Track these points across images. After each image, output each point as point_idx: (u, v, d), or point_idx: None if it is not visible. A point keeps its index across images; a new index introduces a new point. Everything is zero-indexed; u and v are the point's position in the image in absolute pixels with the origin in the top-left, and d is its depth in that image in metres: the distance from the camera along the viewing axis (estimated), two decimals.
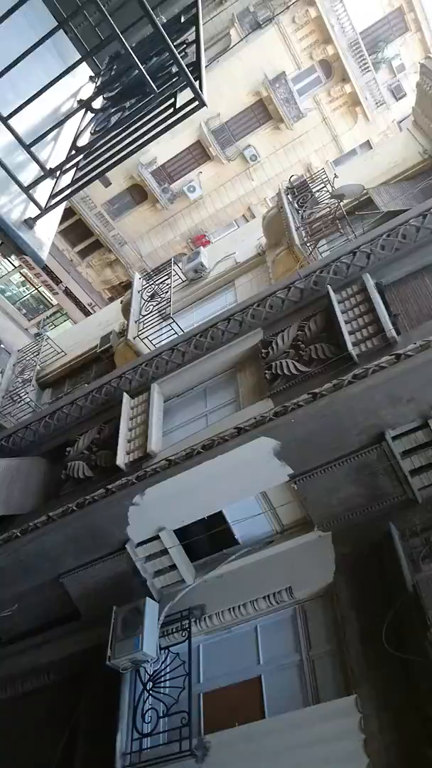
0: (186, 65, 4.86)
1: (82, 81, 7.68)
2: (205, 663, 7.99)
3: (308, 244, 10.94)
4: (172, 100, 5.11)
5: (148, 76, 5.09)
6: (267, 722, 6.92)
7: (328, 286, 8.73)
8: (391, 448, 7.38)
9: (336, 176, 12.58)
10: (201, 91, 4.68)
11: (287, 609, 7.87)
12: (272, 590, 7.90)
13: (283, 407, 7.75)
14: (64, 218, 26.07)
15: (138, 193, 29.19)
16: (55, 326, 32.25)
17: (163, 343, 11.19)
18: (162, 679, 7.80)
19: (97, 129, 6.53)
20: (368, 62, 25.41)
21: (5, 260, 30.24)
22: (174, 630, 8.18)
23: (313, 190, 12.63)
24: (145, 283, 14.09)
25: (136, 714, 7.56)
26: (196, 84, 4.70)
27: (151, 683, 7.76)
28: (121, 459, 8.83)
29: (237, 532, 8.72)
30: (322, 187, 12.59)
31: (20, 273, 31.26)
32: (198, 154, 28.21)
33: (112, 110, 6.60)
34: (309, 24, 24.86)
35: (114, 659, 7.72)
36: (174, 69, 5.26)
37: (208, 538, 8.75)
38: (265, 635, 7.85)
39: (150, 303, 13.02)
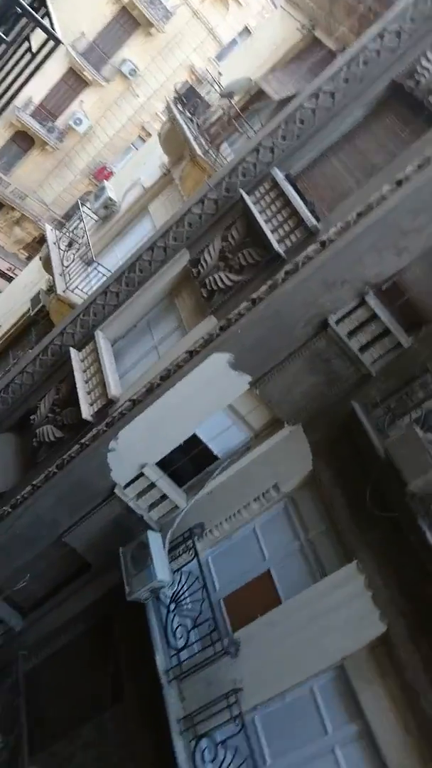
0: (29, 3, 4.56)
1: None
2: (217, 572, 8.51)
3: (210, 152, 10.73)
4: (27, 44, 4.83)
5: None
6: (284, 606, 7.52)
7: (240, 190, 8.68)
8: (336, 332, 7.67)
9: (221, 74, 12.17)
10: (53, 28, 4.44)
11: (278, 504, 8.35)
12: (261, 491, 8.35)
13: (227, 320, 7.90)
14: None
15: (23, 140, 27.57)
16: None
17: (94, 288, 11.05)
18: (182, 598, 8.29)
19: None
20: None
21: None
22: (181, 552, 8.64)
23: (202, 94, 12.22)
24: (58, 232, 13.67)
25: (167, 634, 8.08)
26: (46, 22, 4.45)
27: (173, 604, 8.25)
28: (87, 411, 8.93)
29: (214, 448, 9.06)
30: (210, 89, 12.18)
31: None
32: (74, 82, 26.58)
33: None
34: None
35: (134, 594, 8.16)
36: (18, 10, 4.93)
37: (189, 461, 9.09)
38: (264, 533, 8.36)
39: (69, 252, 12.71)
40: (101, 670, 8.86)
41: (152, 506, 9.16)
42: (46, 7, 4.49)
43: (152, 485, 8.98)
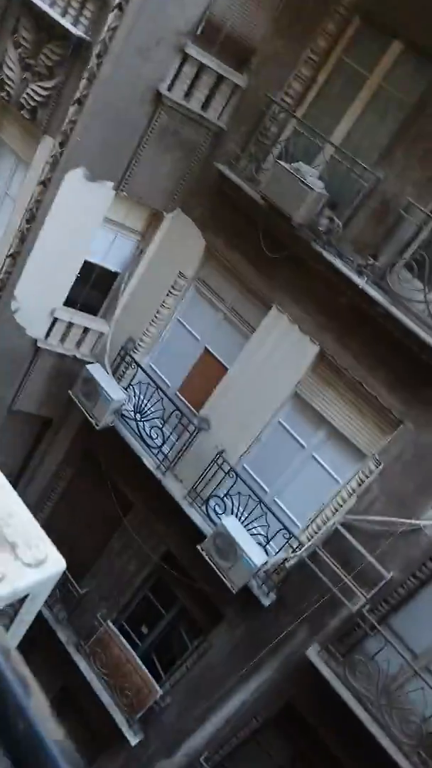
0: None
1: None
2: (163, 370, 9.09)
3: None
4: None
5: None
6: (232, 371, 8.28)
7: None
8: (172, 98, 7.37)
9: None
10: None
11: (189, 289, 8.69)
12: (169, 284, 8.62)
13: (63, 134, 7.43)
14: None
15: None
16: None
17: None
18: (144, 406, 8.95)
19: None
20: None
21: None
22: (124, 370, 9.11)
23: None
24: None
25: (144, 440, 8.88)
26: None
27: (138, 415, 8.93)
28: None
29: (110, 265, 9.05)
30: None
31: None
32: None
33: None
34: None
35: (101, 422, 8.75)
36: None
37: (93, 288, 9.12)
38: (189, 317, 8.80)
39: None
40: (104, 499, 9.77)
41: (79, 343, 9.38)
42: None
43: (70, 324, 9.10)
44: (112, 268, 9.09)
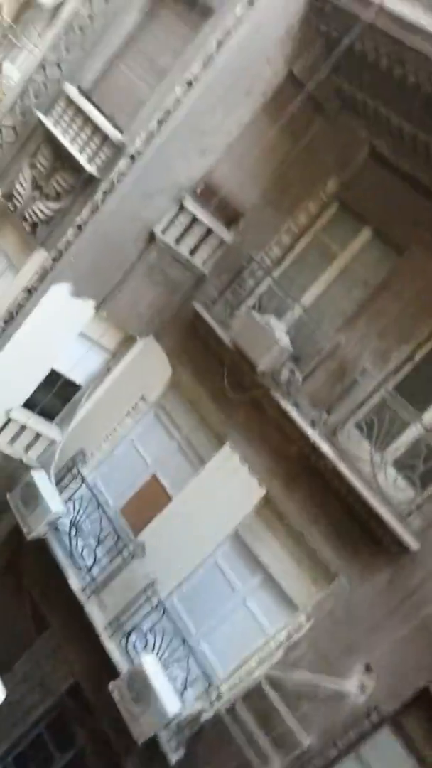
0: None
1: None
2: (108, 489, 8.99)
3: None
4: None
5: None
6: (176, 500, 8.26)
7: (36, 111, 8.37)
8: (164, 241, 8.02)
9: None
10: None
11: (149, 413, 8.88)
12: (130, 406, 8.80)
13: (57, 251, 7.92)
14: None
15: None
16: None
17: None
18: (80, 522, 8.71)
19: None
20: None
21: None
22: (68, 482, 8.96)
23: None
24: None
25: (74, 558, 8.54)
26: None
27: (74, 530, 8.67)
28: None
29: (76, 378, 9.23)
30: None
31: None
32: None
33: None
34: None
35: (33, 532, 8.44)
36: None
37: (54, 396, 9.22)
38: (142, 442, 8.89)
39: None
40: (20, 612, 9.18)
41: (28, 447, 9.29)
42: None
43: (23, 427, 9.06)
44: (77, 380, 9.26)
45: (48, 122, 8.19)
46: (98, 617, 8.17)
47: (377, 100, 7.12)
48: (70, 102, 8.15)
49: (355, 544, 6.93)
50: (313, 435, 7.09)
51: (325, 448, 7.02)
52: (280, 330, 7.38)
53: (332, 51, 7.02)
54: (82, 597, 8.28)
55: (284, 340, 7.33)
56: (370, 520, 6.68)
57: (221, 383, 7.82)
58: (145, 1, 8.13)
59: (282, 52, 7.42)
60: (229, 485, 7.79)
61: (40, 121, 8.26)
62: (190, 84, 7.25)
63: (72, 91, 8.17)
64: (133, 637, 7.93)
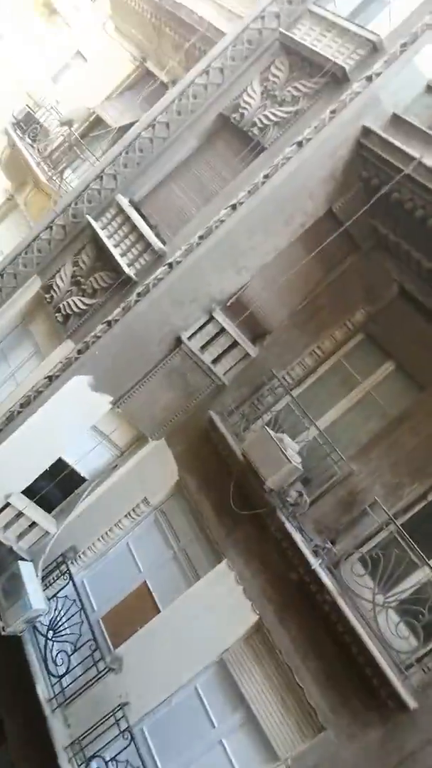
0: None
1: None
2: (94, 592, 8.57)
3: (54, 178, 10.83)
4: None
5: None
6: (163, 614, 7.80)
7: (87, 215, 8.88)
8: (190, 347, 8.16)
9: (58, 102, 12.32)
10: None
11: (149, 517, 8.63)
12: (131, 507, 8.58)
13: (84, 343, 8.08)
14: None
15: None
16: None
17: None
18: (60, 624, 8.24)
19: None
20: None
21: None
22: (55, 578, 8.59)
23: (41, 121, 12.28)
24: None
25: (47, 663, 7.99)
26: None
27: (51, 632, 8.18)
28: None
29: (81, 470, 9.12)
30: (48, 114, 12.28)
31: None
32: None
33: None
34: None
35: (9, 627, 7.98)
36: None
37: (56, 486, 9.06)
38: (137, 546, 8.58)
39: None
40: None
41: (21, 536, 8.99)
42: None
43: (20, 514, 8.83)
44: (82, 472, 9.14)
45: (96, 226, 8.67)
46: (60, 734, 7.52)
47: (410, 244, 7.43)
48: (120, 211, 8.66)
49: (348, 692, 6.37)
50: (315, 564, 6.74)
51: (325, 579, 6.65)
52: (292, 449, 7.27)
53: (371, 195, 7.44)
54: (47, 708, 7.67)
55: (296, 460, 7.18)
56: (366, 667, 6.17)
57: (227, 496, 7.60)
58: (204, 133, 8.82)
59: (324, 190, 7.89)
60: (220, 606, 7.35)
61: (89, 224, 8.75)
62: (234, 207, 7.68)
63: (123, 201, 8.71)
64: (93, 765, 7.22)
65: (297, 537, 6.96)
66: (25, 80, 26.37)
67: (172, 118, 8.71)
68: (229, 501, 7.64)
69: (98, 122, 11.69)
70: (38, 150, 11.68)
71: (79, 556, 8.70)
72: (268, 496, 7.27)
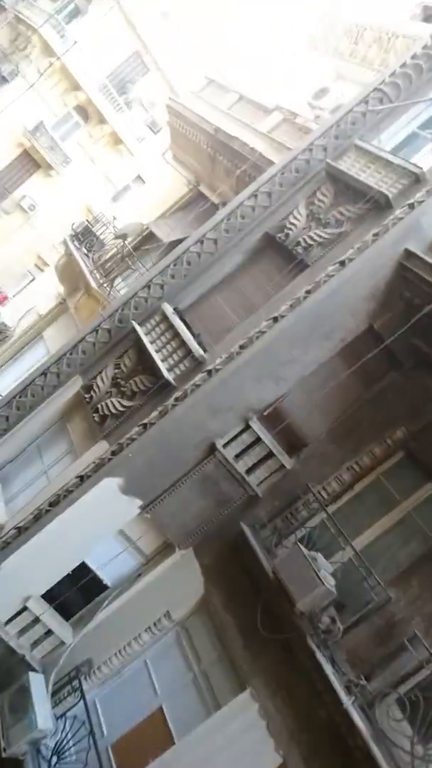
0: None
1: None
2: (105, 714, 7.94)
3: (105, 285, 11.37)
4: None
5: None
6: (178, 746, 7.10)
7: (132, 321, 9.18)
8: (224, 455, 8.03)
9: (115, 218, 13.21)
10: None
11: (170, 633, 8.13)
12: (152, 620, 8.11)
13: (119, 445, 8.04)
14: None
15: None
16: None
17: None
18: (66, 748, 7.59)
19: None
20: (120, 102, 26.76)
21: None
22: (66, 695, 8.03)
23: (97, 234, 13.12)
24: None
25: None
26: None
27: (55, 757, 7.52)
28: None
29: (104, 576, 8.78)
30: (105, 230, 13.13)
31: None
32: None
33: None
34: (55, 73, 25.56)
35: (11, 748, 7.38)
36: None
37: (77, 591, 8.69)
38: (156, 666, 8.02)
39: None
40: None
41: (35, 644, 8.54)
42: None
43: (36, 620, 8.43)
44: (105, 579, 8.79)
45: (141, 331, 8.92)
46: None
47: None
48: (165, 318, 8.93)
49: None
50: (347, 702, 6.13)
51: (358, 721, 6.01)
52: (326, 570, 6.85)
53: (413, 315, 7.51)
54: None
55: (329, 583, 6.75)
56: None
57: (254, 617, 7.13)
58: (250, 250, 9.22)
59: (365, 308, 8.02)
60: (241, 743, 6.67)
61: (133, 329, 9.03)
62: (275, 320, 7.83)
63: (168, 309, 9.01)
64: None
65: (328, 669, 6.40)
66: (87, 198, 28.68)
67: (220, 236, 9.16)
68: (256, 622, 7.17)
69: (150, 237, 12.41)
70: (92, 260, 12.38)
71: (94, 672, 8.15)
72: (298, 620, 6.79)
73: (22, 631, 8.45)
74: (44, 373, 9.51)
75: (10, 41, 26.88)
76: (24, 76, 25.29)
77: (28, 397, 9.52)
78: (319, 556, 7.00)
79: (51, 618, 8.50)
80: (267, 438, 8.13)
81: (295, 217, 8.76)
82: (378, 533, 7.57)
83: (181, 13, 25.68)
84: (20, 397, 9.54)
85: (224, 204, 10.91)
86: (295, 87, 12.33)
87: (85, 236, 13.26)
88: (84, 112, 27.17)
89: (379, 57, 11.06)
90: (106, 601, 8.62)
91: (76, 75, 25.60)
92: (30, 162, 27.55)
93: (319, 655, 6.48)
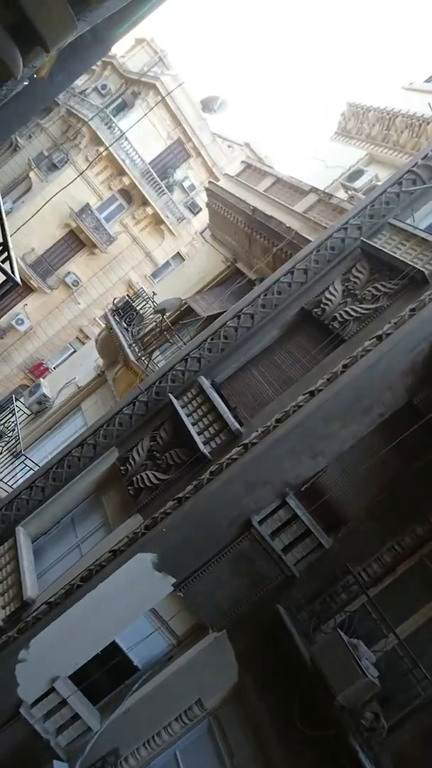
0: None
1: None
2: None
3: (143, 358, 11.57)
4: None
5: None
6: None
7: (169, 394, 9.25)
8: (260, 532, 7.80)
9: (155, 293, 13.60)
10: (13, 272, 4.98)
11: (202, 723, 7.68)
12: (183, 708, 7.70)
13: (153, 519, 7.92)
14: None
15: None
16: None
17: (19, 482, 10.91)
18: None
19: None
20: (162, 186, 28.20)
21: None
22: None
23: (137, 308, 13.50)
24: None
25: None
26: (6, 266, 4.98)
27: None
28: None
29: (135, 658, 8.44)
30: (145, 304, 13.51)
31: None
32: (20, 288, 28.74)
33: None
34: (102, 161, 27.22)
35: None
36: None
37: (106, 674, 8.36)
38: (186, 759, 7.55)
39: None
40: None
41: (61, 729, 8.15)
42: (7, 251, 5.01)
43: (63, 702, 8.08)
44: (135, 661, 8.45)
45: (177, 404, 8.96)
46: None
47: None
48: (201, 391, 8.98)
49: None
50: None
51: None
52: (368, 660, 6.45)
53: None
54: None
55: (372, 674, 6.33)
56: None
57: (291, 709, 6.70)
58: (286, 324, 9.31)
59: (403, 383, 7.91)
60: None
61: (170, 402, 9.08)
62: (312, 394, 7.77)
63: (205, 383, 9.06)
64: None
65: None
66: (129, 275, 29.81)
67: (257, 311, 9.30)
68: (293, 714, 6.72)
69: (188, 312, 12.70)
70: (132, 333, 12.68)
71: (120, 764, 7.69)
72: (339, 714, 6.34)
73: (48, 715, 8.10)
74: (81, 444, 9.57)
75: (61, 132, 28.96)
76: (73, 164, 27.01)
77: (64, 468, 9.55)
78: (361, 644, 6.61)
79: (78, 701, 8.15)
80: (304, 515, 7.90)
81: (331, 293, 8.86)
82: (423, 620, 7.14)
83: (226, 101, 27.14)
84: (57, 468, 9.58)
85: (261, 280, 11.16)
86: (328, 169, 12.83)
87: (126, 311, 13.66)
88: (127, 195, 28.67)
89: (411, 142, 11.47)
90: (136, 685, 8.25)
91: (121, 162, 27.21)
92: (75, 241, 28.99)
93: (362, 757, 6.00)
